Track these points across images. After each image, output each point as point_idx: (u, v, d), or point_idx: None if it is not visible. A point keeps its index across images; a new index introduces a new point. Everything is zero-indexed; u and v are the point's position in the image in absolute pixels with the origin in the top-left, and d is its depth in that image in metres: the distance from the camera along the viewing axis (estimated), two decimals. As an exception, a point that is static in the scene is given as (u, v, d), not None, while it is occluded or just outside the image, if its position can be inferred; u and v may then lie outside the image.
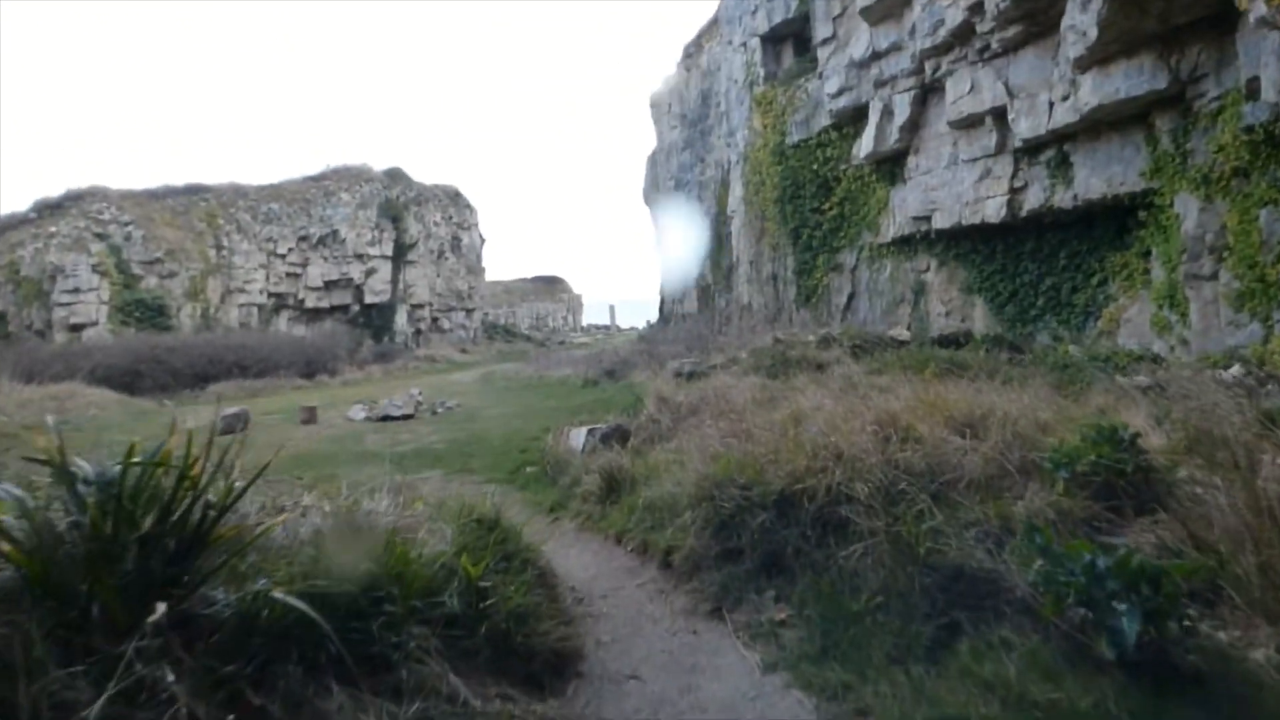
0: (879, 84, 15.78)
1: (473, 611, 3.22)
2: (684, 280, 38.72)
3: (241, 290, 27.79)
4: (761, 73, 23.60)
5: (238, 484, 3.09)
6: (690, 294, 37.90)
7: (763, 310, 24.40)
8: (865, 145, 16.32)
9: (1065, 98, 11.58)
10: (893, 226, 16.23)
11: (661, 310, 45.82)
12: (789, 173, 22.11)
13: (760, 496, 4.02)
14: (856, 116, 16.98)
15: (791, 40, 22.61)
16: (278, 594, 2.63)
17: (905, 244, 16.34)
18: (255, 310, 28.29)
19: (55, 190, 24.57)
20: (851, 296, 18.95)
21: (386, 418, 13.87)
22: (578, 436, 7.43)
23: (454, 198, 39.74)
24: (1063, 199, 12.25)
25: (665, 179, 39.07)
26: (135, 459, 2.88)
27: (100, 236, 23.82)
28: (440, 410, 14.85)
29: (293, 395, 21.61)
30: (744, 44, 25.07)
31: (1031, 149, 12.70)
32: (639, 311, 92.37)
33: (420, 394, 15.95)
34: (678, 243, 39.14)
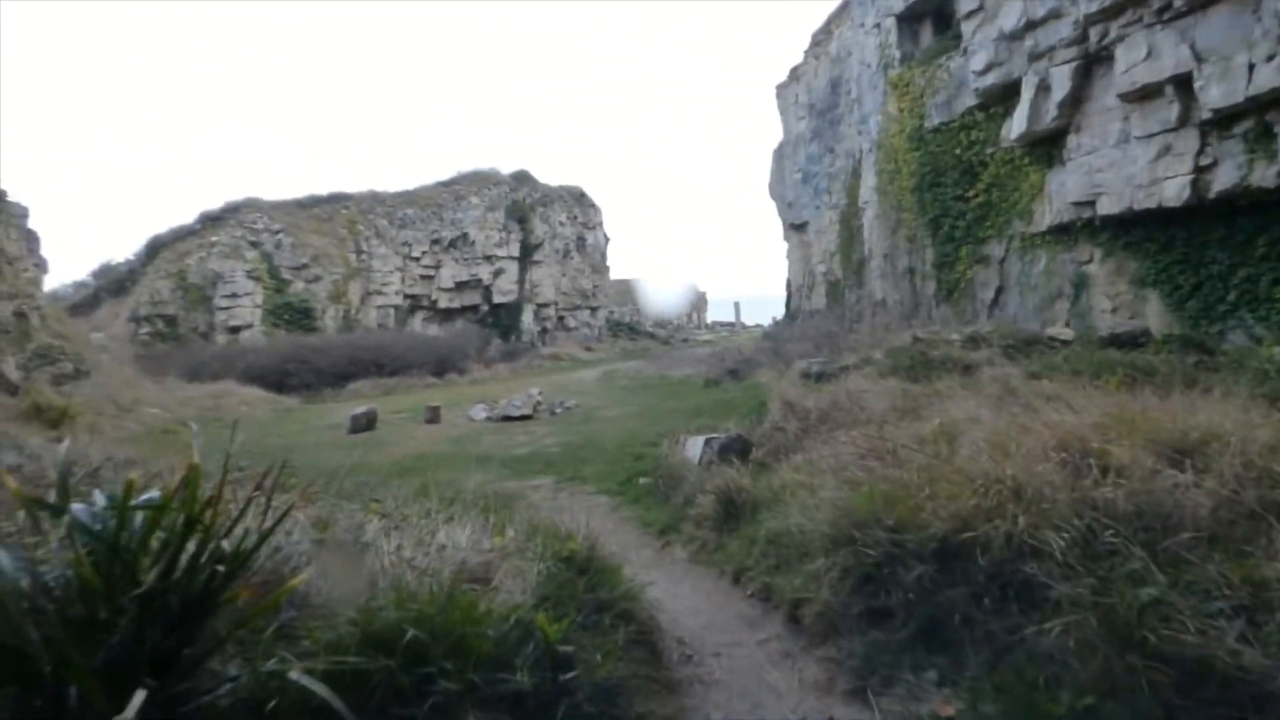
0: (1034, 56, 14.11)
1: (549, 686, 2.56)
2: (811, 276, 37.23)
3: (379, 292, 28.94)
4: (897, 54, 22.02)
5: (266, 523, 2.51)
6: (818, 290, 36.37)
7: (898, 307, 22.79)
8: (1016, 125, 14.67)
9: (1271, 58, 9.74)
10: (1049, 214, 14.49)
11: (788, 307, 44.35)
12: (928, 159, 20.49)
13: (916, 544, 3.15)
14: (1006, 94, 15.30)
15: (930, 17, 20.93)
16: (295, 674, 2.06)
17: (1063, 233, 14.54)
18: (392, 311, 29.41)
19: (216, 202, 26.52)
20: (999, 291, 17.18)
21: (506, 418, 13.68)
22: (694, 446, 6.72)
23: (579, 198, 39.96)
24: (1263, 177, 10.34)
25: (792, 171, 37.65)
26: (147, 496, 2.37)
27: (254, 244, 25.40)
28: (559, 410, 14.54)
29: (423, 394, 22.11)
30: (877, 25, 23.50)
31: (1223, 121, 10.81)
32: (764, 308, 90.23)
33: (540, 394, 15.74)
34: (805, 237, 37.67)
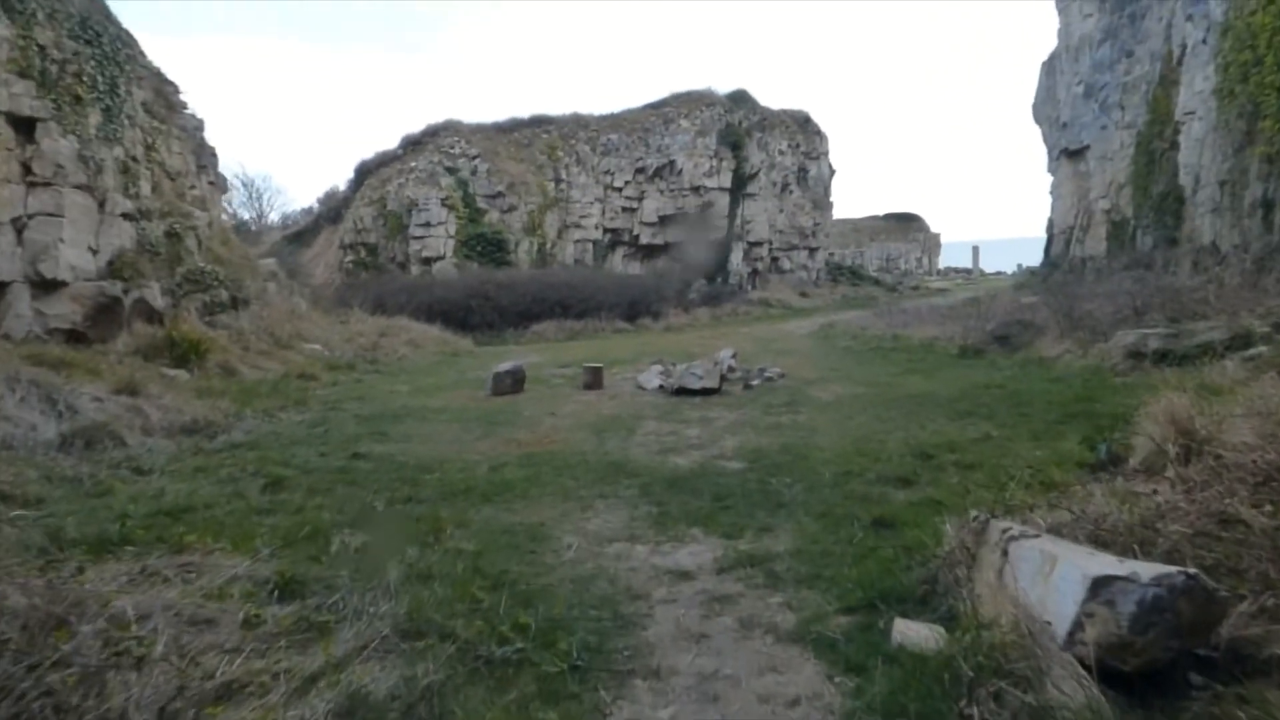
0: None
1: None
2: (1088, 214, 29.33)
3: (578, 225, 26.23)
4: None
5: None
6: (1095, 231, 28.56)
7: (1239, 254, 15.92)
8: None
9: None
10: None
11: (1048, 252, 36.20)
12: (1323, 38, 13.56)
13: None
14: None
15: None
16: None
17: None
18: (590, 246, 26.66)
19: (419, 126, 24.93)
20: None
21: (682, 390, 9.96)
22: (1058, 581, 2.55)
23: (803, 124, 34.62)
24: None
25: (1071, 84, 29.61)
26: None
27: (450, 171, 23.53)
28: (756, 383, 10.55)
29: (609, 341, 19.06)
30: None
31: None
32: (1005, 253, 78.71)
33: (734, 358, 11.81)
34: (1082, 166, 29.69)
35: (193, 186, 14.23)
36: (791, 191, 33.71)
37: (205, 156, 14.80)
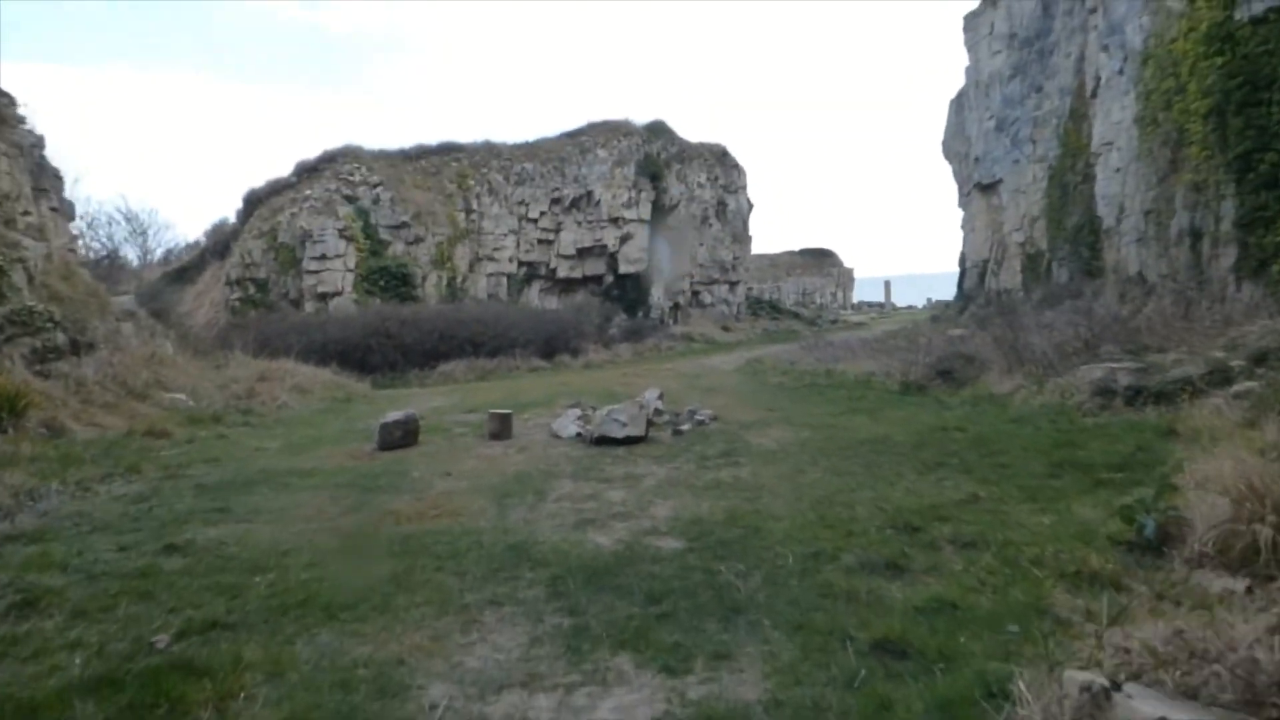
0: None
1: None
2: (1001, 247, 29.72)
3: (490, 258, 24.62)
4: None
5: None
6: (1010, 264, 28.91)
7: (1167, 284, 15.77)
8: None
9: None
10: None
11: (961, 285, 36.72)
12: (1238, 68, 13.56)
13: None
14: None
15: None
16: None
17: None
18: (505, 280, 25.06)
19: (315, 152, 22.95)
20: None
21: (603, 440, 8.52)
22: None
23: (720, 157, 34.19)
24: None
25: (983, 119, 30.13)
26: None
27: (349, 199, 21.62)
28: (686, 428, 9.22)
29: (524, 381, 17.47)
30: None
31: None
32: (914, 288, 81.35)
33: (660, 399, 10.47)
34: (994, 200, 30.17)
35: (26, 212, 12.02)
36: (711, 225, 33.09)
37: (46, 179, 12.63)
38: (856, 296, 69.98)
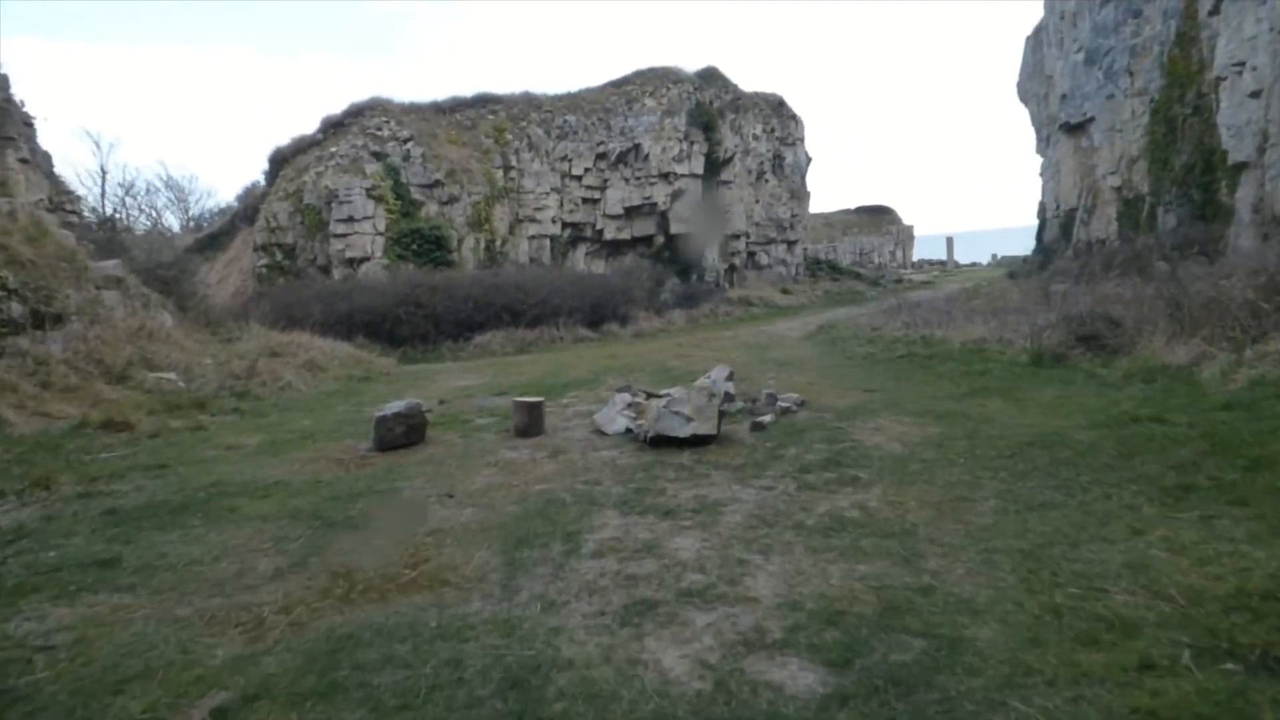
0: None
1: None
2: (1092, 194, 26.21)
3: (532, 219, 22.41)
4: None
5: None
6: (1103, 212, 25.42)
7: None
8: None
9: None
10: None
11: (1041, 237, 33.12)
12: None
13: None
14: None
15: None
16: None
17: None
18: (548, 243, 22.86)
19: (342, 107, 20.90)
20: None
21: (662, 441, 6.30)
22: None
23: (776, 107, 31.19)
24: None
25: (1070, 52, 26.44)
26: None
27: (377, 156, 19.58)
28: (769, 417, 6.92)
29: (568, 354, 15.34)
30: None
31: None
32: (977, 245, 76.61)
33: (730, 377, 8.17)
34: (1084, 141, 26.59)
35: (-13, 164, 10.23)
36: (767, 180, 30.28)
37: (11, 125, 10.79)
38: (916, 255, 66.03)
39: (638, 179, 23.95)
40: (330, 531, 4.65)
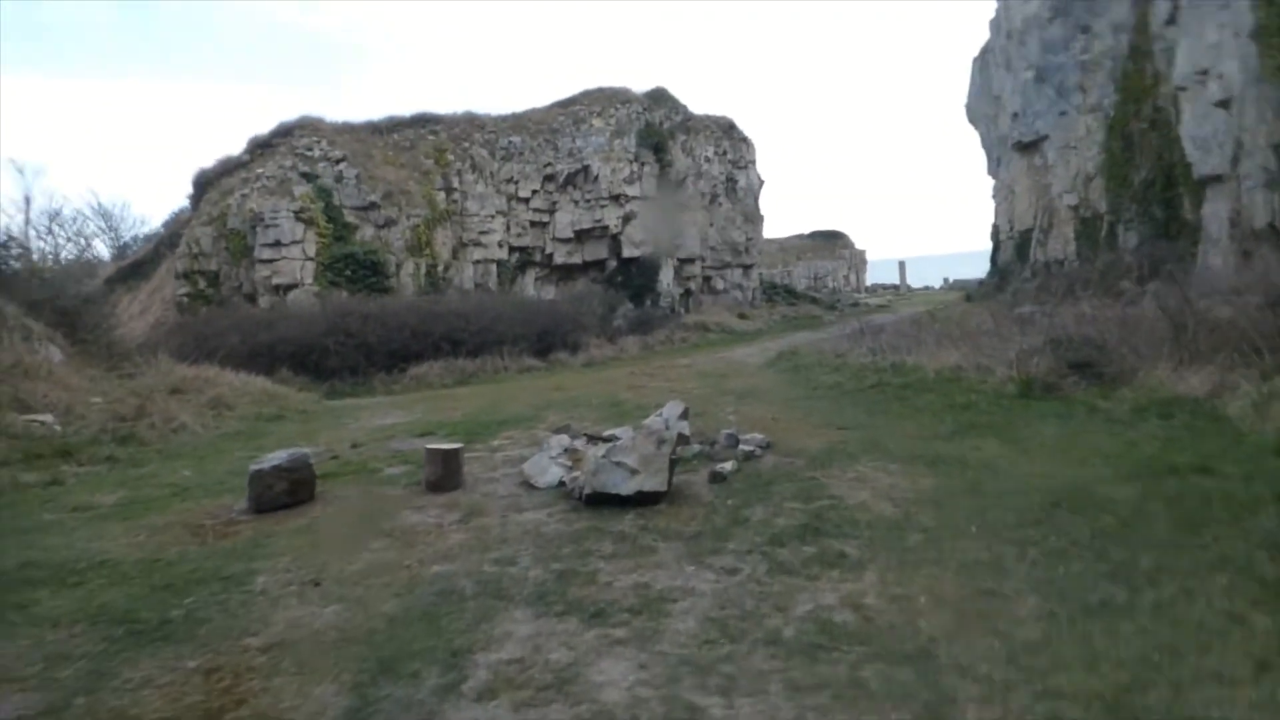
0: None
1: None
2: (1048, 213, 26.01)
3: (477, 243, 21.16)
4: None
5: None
6: (1062, 230, 25.17)
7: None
8: None
9: None
10: None
11: (995, 259, 32.95)
12: None
13: None
14: None
15: None
16: None
17: None
18: (494, 268, 21.60)
19: (271, 125, 19.47)
20: None
21: (600, 500, 5.11)
22: None
23: (727, 130, 30.58)
24: None
25: (1019, 71, 26.35)
26: None
27: (306, 176, 18.18)
28: (730, 466, 5.78)
29: (511, 386, 14.06)
30: None
31: None
32: (929, 269, 77.44)
33: (685, 415, 7.02)
34: (1038, 160, 26.45)
35: None
36: (721, 203, 29.52)
37: None
38: (869, 279, 66.25)
39: (588, 201, 22.90)
40: (132, 646, 3.34)
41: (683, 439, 6.54)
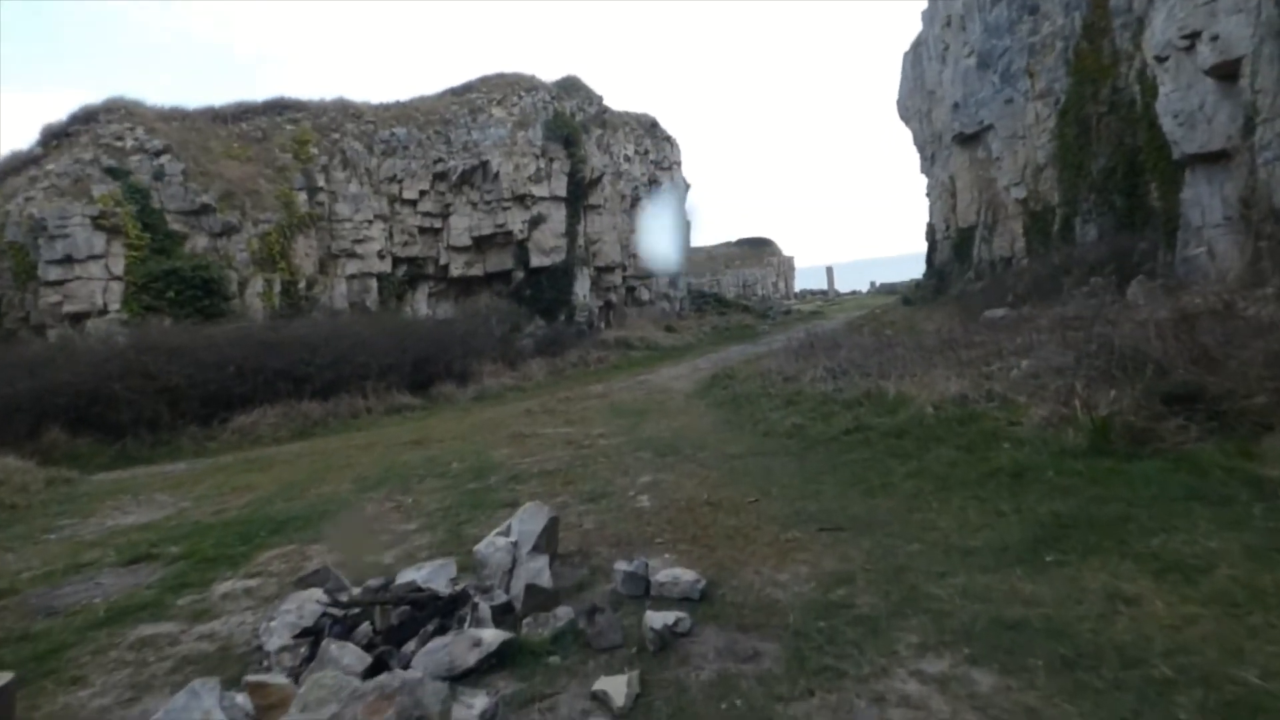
0: None
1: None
2: (992, 209, 23.91)
3: (351, 254, 17.46)
4: None
5: None
6: (1009, 226, 23.05)
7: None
8: None
9: None
10: None
11: (931, 260, 30.91)
12: None
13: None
14: None
15: None
16: None
17: None
18: (375, 284, 17.92)
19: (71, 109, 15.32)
20: None
21: None
22: None
23: (650, 128, 27.65)
24: None
25: (958, 59, 24.26)
26: None
27: (113, 173, 14.20)
28: (627, 678, 2.58)
29: (369, 431, 10.50)
30: None
31: None
32: (856, 274, 76.43)
33: (549, 532, 3.74)
34: (980, 152, 24.37)
35: None
36: (643, 207, 26.48)
37: None
38: (798, 285, 64.65)
39: (487, 203, 19.44)
40: None
41: (535, 593, 3.24)
